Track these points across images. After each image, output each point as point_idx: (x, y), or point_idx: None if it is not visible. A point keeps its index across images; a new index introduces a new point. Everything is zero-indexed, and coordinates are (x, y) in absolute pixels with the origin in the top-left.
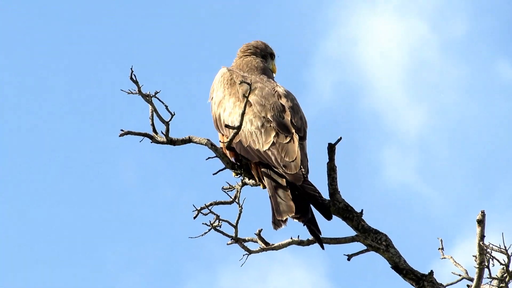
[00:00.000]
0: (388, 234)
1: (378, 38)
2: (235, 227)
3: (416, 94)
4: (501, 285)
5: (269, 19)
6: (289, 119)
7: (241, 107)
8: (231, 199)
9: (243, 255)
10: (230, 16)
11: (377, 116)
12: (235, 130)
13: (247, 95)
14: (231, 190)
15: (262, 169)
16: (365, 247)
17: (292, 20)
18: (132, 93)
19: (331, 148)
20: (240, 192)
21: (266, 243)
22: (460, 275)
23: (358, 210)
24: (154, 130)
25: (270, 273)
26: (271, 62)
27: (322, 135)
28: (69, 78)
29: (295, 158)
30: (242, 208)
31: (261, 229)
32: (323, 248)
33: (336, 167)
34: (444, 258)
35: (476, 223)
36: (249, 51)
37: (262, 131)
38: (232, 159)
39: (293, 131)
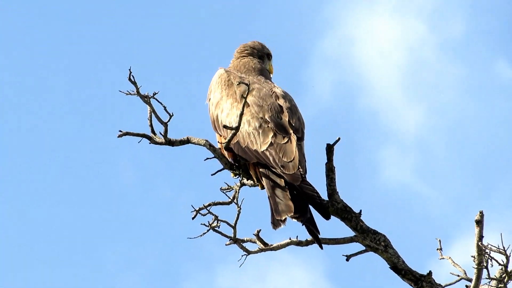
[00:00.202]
0: (386, 234)
1: (377, 38)
2: (234, 227)
3: (414, 94)
4: (499, 285)
5: (267, 19)
6: (287, 119)
7: (238, 108)
8: (230, 200)
9: (242, 256)
10: (228, 17)
11: (376, 116)
12: (233, 130)
13: (245, 96)
14: (230, 191)
15: (260, 170)
16: (363, 248)
17: (290, 20)
18: (130, 94)
19: (330, 149)
20: (238, 192)
21: (264, 244)
22: (458, 276)
23: (357, 211)
24: (153, 131)
25: (269, 273)
26: (268, 62)
27: (320, 135)
28: (69, 78)
29: (293, 159)
30: (240, 209)
31: (260, 230)
32: (321, 248)
33: (334, 167)
34: (443, 258)
35: (475, 223)
36: (246, 51)
37: (260, 131)
38: (231, 160)
39: (291, 131)
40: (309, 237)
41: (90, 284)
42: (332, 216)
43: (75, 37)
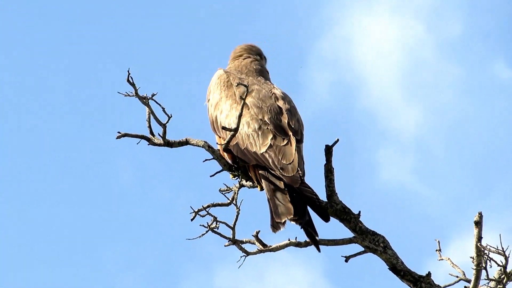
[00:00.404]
0: (385, 235)
1: (375, 38)
2: (233, 228)
3: (412, 94)
4: (498, 286)
5: (265, 20)
6: (286, 121)
7: (238, 109)
8: (229, 201)
9: (241, 257)
10: (226, 17)
11: (374, 117)
12: (232, 132)
13: (244, 97)
14: (229, 192)
15: (259, 172)
16: (362, 249)
17: (288, 20)
18: (129, 95)
19: (328, 150)
20: (237, 194)
21: (263, 245)
22: (457, 277)
23: (355, 212)
24: (151, 132)
25: (268, 273)
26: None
27: (318, 136)
28: (69, 78)
29: (292, 161)
30: (239, 210)
31: (259, 231)
32: (319, 250)
33: (333, 168)
34: (442, 259)
35: (474, 224)
36: (245, 52)
37: (259, 133)
38: (230, 161)
39: (290, 133)
40: (308, 239)
41: (89, 284)
42: (331, 217)
43: (75, 37)
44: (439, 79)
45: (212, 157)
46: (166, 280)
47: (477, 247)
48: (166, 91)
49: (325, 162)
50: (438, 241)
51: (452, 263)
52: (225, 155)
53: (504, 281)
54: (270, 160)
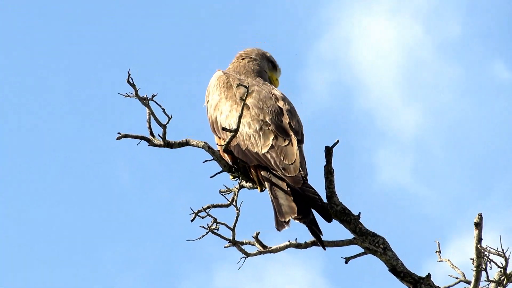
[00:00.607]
0: (384, 236)
1: (373, 39)
2: (233, 230)
3: (411, 95)
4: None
5: (263, 21)
6: (287, 122)
7: (238, 110)
8: (229, 202)
9: (241, 258)
10: (225, 19)
11: (373, 117)
12: (232, 133)
13: (244, 98)
14: (229, 193)
15: (261, 172)
16: (362, 250)
17: (287, 21)
18: (129, 96)
19: (328, 151)
20: (237, 195)
21: (263, 246)
22: (457, 278)
23: (355, 213)
24: (151, 133)
25: (267, 273)
26: (274, 72)
27: (317, 137)
28: (69, 78)
29: (294, 161)
30: (239, 211)
31: (259, 232)
32: (324, 248)
33: (333, 170)
34: (442, 261)
35: (474, 226)
36: (245, 54)
37: (261, 134)
38: (230, 162)
39: (292, 134)
40: (308, 240)
41: (89, 285)
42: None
43: (75, 37)
44: (438, 80)
45: (212, 158)
46: (165, 280)
47: (477, 248)
48: (166, 91)
49: (325, 163)
50: (438, 243)
51: (452, 264)
52: (225, 156)
53: (504, 282)
54: (272, 161)
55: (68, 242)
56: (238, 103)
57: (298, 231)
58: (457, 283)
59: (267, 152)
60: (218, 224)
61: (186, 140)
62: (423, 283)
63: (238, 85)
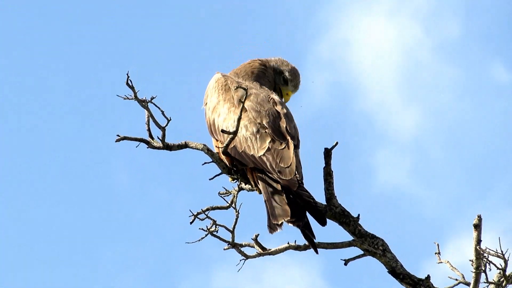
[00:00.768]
0: (383, 237)
1: (372, 40)
2: (232, 232)
3: (410, 96)
4: None
5: (262, 22)
6: (285, 126)
7: (236, 113)
8: (228, 204)
9: (240, 260)
10: (224, 20)
11: (371, 118)
12: (231, 135)
13: (243, 100)
14: (228, 195)
15: (257, 174)
16: (362, 252)
17: (286, 22)
18: (128, 98)
19: (328, 153)
20: (236, 197)
21: (263, 248)
22: (456, 280)
23: (354, 214)
24: (151, 135)
25: (266, 274)
26: (285, 86)
27: (315, 138)
28: (68, 79)
29: (290, 164)
30: (238, 213)
31: (258, 234)
32: (317, 252)
33: (332, 172)
34: (441, 262)
35: (473, 227)
36: (258, 60)
37: (257, 136)
38: (229, 164)
39: (289, 137)
40: (308, 242)
41: (88, 285)
42: (330, 221)
43: (75, 37)
44: (437, 81)
45: (211, 160)
46: (164, 281)
47: (476, 250)
48: (166, 91)
49: (324, 165)
50: (438, 244)
51: (452, 266)
52: (224, 158)
53: (504, 284)
54: (267, 163)
55: (67, 243)
56: (236, 106)
57: (298, 233)
58: (457, 284)
59: (263, 155)
60: (217, 226)
61: (185, 143)
62: (423, 284)
63: (237, 88)
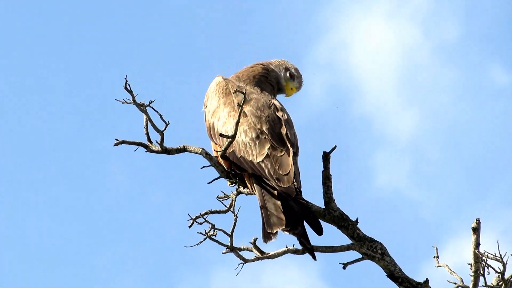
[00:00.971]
0: (381, 239)
1: (371, 42)
2: (230, 236)
3: (408, 98)
4: None
5: (260, 24)
6: (285, 132)
7: (235, 117)
8: (226, 208)
9: (239, 264)
10: (222, 22)
11: (370, 121)
12: (230, 139)
13: (241, 104)
14: (226, 199)
15: (253, 181)
16: (360, 256)
17: (284, 24)
18: (126, 102)
19: (326, 157)
20: (235, 201)
21: (261, 252)
22: (455, 283)
23: (352, 218)
24: (149, 139)
25: (265, 275)
26: (291, 80)
27: (313, 140)
28: (68, 79)
29: (289, 172)
30: (237, 217)
31: (256, 238)
32: (315, 259)
33: (331, 175)
34: (440, 266)
35: (472, 231)
36: (260, 63)
37: (257, 142)
38: (227, 168)
39: (288, 144)
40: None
41: (86, 287)
42: (328, 224)
43: (75, 37)
44: (435, 83)
45: (209, 164)
46: (162, 283)
47: (475, 253)
48: (164, 95)
49: (322, 168)
50: (436, 248)
51: (450, 269)
52: (223, 162)
53: (502, 287)
54: (266, 170)
55: (66, 245)
56: (236, 110)
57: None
58: None
59: (262, 161)
60: (215, 230)
61: (184, 146)
62: None
63: (236, 92)
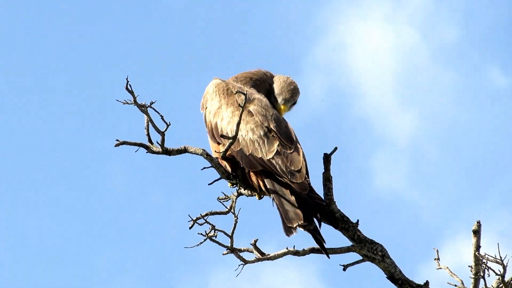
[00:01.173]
0: (381, 241)
1: (369, 44)
2: (231, 237)
3: (407, 100)
4: None
5: (259, 27)
6: (291, 130)
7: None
8: (227, 209)
9: (239, 265)
10: (221, 24)
11: (368, 123)
12: (231, 140)
13: (243, 104)
14: (227, 200)
15: (265, 179)
16: (360, 257)
17: (282, 27)
18: (127, 103)
19: (327, 158)
20: (235, 202)
21: (261, 253)
22: (455, 286)
23: (352, 219)
24: (150, 140)
25: (264, 275)
26: (276, 102)
27: (312, 142)
28: (68, 79)
29: (300, 168)
30: (237, 218)
31: (257, 239)
32: (328, 256)
33: (331, 177)
34: (440, 268)
35: (472, 233)
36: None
37: (265, 140)
38: (228, 169)
39: (297, 143)
40: (306, 247)
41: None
42: (329, 226)
43: (75, 37)
44: (434, 85)
45: (210, 165)
46: (162, 283)
47: (475, 256)
48: (165, 95)
49: (323, 170)
50: (437, 250)
51: (451, 271)
52: (224, 163)
53: None
54: (277, 167)
55: (65, 245)
56: (239, 110)
57: (296, 238)
58: None
59: (272, 158)
60: (216, 231)
61: (185, 147)
62: None
63: (237, 92)
